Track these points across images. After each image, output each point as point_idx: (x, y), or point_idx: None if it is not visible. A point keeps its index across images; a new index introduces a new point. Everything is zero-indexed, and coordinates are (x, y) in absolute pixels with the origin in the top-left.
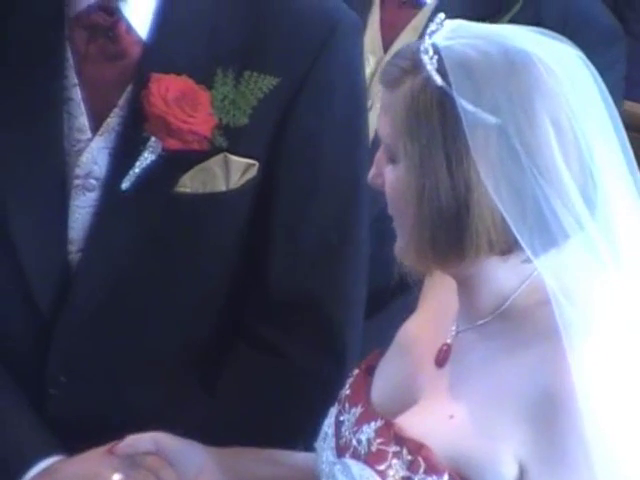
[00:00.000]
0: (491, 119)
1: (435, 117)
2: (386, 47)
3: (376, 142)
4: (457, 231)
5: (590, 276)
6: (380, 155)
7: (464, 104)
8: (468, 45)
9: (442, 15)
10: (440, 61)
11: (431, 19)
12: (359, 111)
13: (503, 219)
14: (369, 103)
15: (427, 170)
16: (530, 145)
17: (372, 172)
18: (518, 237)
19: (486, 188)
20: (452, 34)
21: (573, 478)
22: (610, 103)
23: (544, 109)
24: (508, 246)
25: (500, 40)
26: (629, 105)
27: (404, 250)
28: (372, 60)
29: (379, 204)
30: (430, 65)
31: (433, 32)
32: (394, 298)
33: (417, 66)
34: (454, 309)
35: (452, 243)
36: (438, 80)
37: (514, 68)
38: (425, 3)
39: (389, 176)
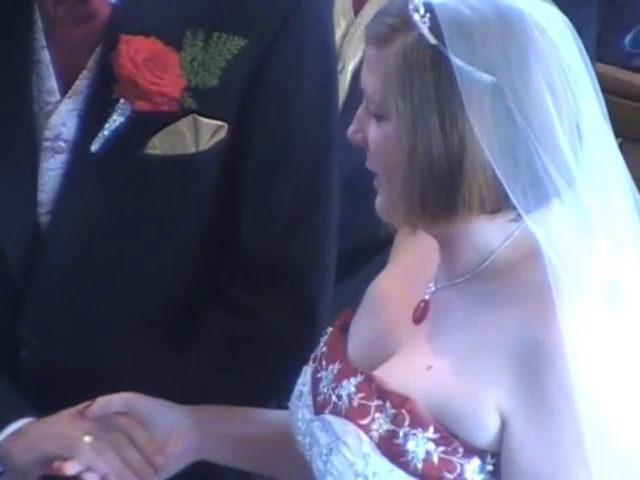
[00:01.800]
0: (486, 78)
1: (429, 76)
2: (357, 10)
3: (349, 103)
4: (449, 189)
5: (579, 234)
6: (362, 111)
7: (459, 63)
8: (461, 2)
9: None
10: (433, 19)
11: None
12: (330, 73)
13: (495, 177)
14: (340, 65)
15: (420, 129)
16: (525, 104)
17: (352, 128)
18: (510, 194)
19: (480, 146)
20: None
21: (556, 430)
22: (589, 65)
23: (539, 69)
24: (498, 204)
25: None
26: (601, 67)
27: (391, 208)
28: (343, 23)
29: (349, 167)
30: (422, 23)
31: None
32: (368, 259)
33: (407, 24)
34: (430, 266)
35: (443, 201)
36: (431, 39)
37: (509, 27)
38: None
39: (374, 133)
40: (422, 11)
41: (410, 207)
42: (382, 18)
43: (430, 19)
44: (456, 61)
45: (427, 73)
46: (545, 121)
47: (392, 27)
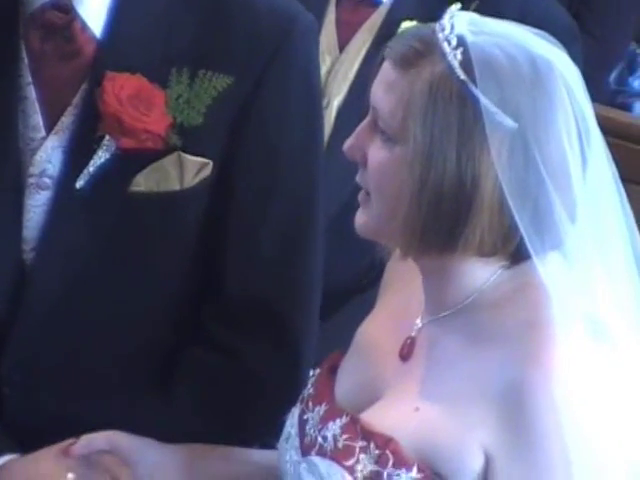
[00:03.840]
0: (509, 122)
1: (453, 109)
2: (342, 46)
3: (334, 139)
4: (453, 227)
5: (573, 270)
6: (366, 127)
7: (486, 103)
8: (495, 45)
9: (458, 5)
10: (465, 54)
11: (387, 19)
12: (315, 111)
13: (500, 222)
14: (325, 101)
15: (435, 160)
16: (545, 154)
17: (351, 143)
18: (525, 236)
19: (492, 188)
20: (475, 28)
21: (542, 470)
22: (593, 112)
23: (562, 118)
24: (495, 249)
25: (523, 45)
26: None
27: (379, 228)
28: (328, 59)
29: (336, 205)
30: (453, 56)
31: (452, 20)
32: (353, 296)
33: (433, 51)
34: (417, 304)
35: (443, 237)
36: (461, 73)
37: (540, 77)
38: (381, 2)
39: (379, 153)
40: (454, 43)
41: (409, 236)
42: (407, 40)
43: (462, 54)
44: (484, 100)
45: (452, 106)
46: (561, 171)
47: (418, 51)
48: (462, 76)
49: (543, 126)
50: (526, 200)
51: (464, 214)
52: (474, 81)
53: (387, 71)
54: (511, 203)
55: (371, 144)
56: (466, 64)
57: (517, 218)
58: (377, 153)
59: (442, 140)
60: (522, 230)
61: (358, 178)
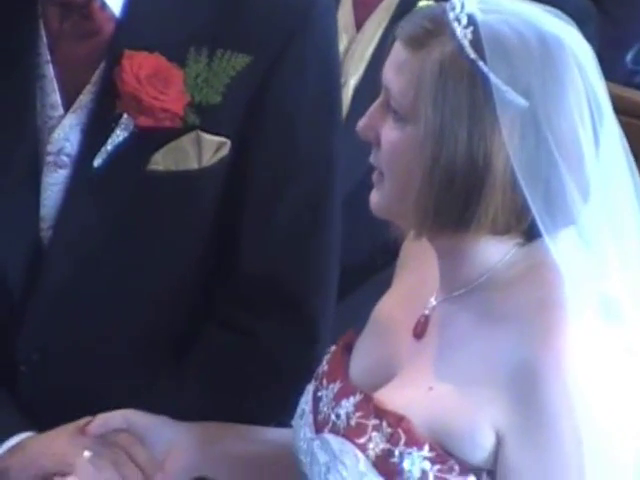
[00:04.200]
0: (520, 101)
1: (464, 89)
2: (358, 26)
3: (350, 118)
4: (466, 206)
5: (586, 251)
6: (379, 107)
7: (497, 82)
8: (505, 23)
9: None
10: (475, 33)
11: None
12: (333, 90)
13: (512, 200)
14: (342, 81)
15: (447, 140)
16: (557, 133)
17: (365, 122)
18: (537, 216)
19: (503, 167)
20: (485, 7)
21: (552, 451)
22: (606, 91)
23: (573, 97)
24: (508, 227)
25: (534, 22)
26: None
27: (392, 208)
28: (345, 38)
29: (352, 182)
30: (463, 35)
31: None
32: (370, 275)
33: (443, 31)
34: (431, 283)
35: (456, 216)
36: (471, 53)
37: (550, 54)
38: None
39: (392, 132)
40: (464, 22)
41: (422, 215)
42: (417, 20)
43: (472, 33)
44: (493, 79)
45: (462, 86)
46: (574, 150)
47: (428, 31)
48: (472, 55)
49: (554, 104)
50: (538, 180)
51: (476, 192)
52: (484, 60)
53: (398, 51)
54: (522, 183)
55: (384, 124)
56: (476, 43)
57: (529, 198)
58: (389, 133)
59: (453, 119)
60: (534, 210)
61: (372, 158)
